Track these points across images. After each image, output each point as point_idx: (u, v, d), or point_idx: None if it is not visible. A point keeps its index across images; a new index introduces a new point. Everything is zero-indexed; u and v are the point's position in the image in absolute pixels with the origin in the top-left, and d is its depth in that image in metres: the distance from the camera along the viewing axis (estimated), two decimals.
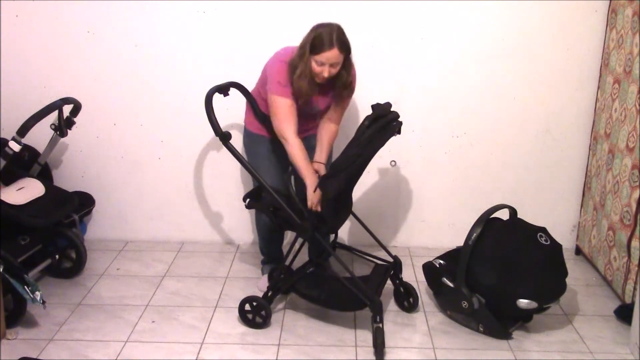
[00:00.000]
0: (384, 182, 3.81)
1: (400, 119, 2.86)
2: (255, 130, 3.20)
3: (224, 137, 2.88)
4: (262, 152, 3.20)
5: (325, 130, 3.13)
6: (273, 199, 2.90)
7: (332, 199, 2.79)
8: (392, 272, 3.15)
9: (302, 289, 3.04)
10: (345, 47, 2.85)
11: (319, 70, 2.85)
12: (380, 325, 2.80)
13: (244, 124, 3.29)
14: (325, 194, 2.79)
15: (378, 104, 2.84)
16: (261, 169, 3.13)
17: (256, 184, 3.12)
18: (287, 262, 3.23)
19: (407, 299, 3.19)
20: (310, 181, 2.88)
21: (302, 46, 2.86)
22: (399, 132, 2.86)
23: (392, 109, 2.86)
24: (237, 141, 3.73)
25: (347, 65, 2.92)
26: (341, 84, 2.97)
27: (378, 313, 2.81)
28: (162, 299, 3.31)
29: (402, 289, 3.20)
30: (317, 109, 3.09)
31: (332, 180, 2.76)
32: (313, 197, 2.86)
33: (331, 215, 2.85)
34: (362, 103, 3.57)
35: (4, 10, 3.59)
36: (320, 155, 3.09)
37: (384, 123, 2.76)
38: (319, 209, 2.86)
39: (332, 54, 2.81)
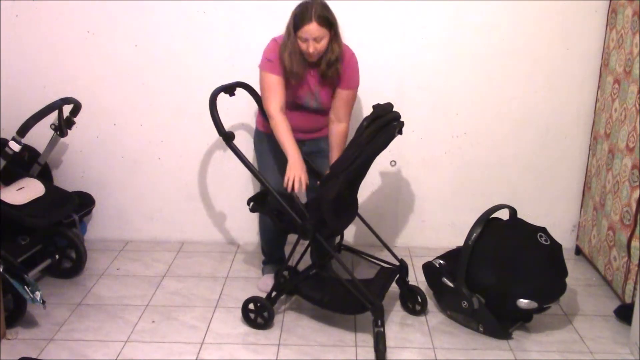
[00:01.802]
0: (384, 182, 3.81)
1: (401, 119, 2.86)
2: (263, 129, 3.22)
3: (227, 137, 2.89)
4: (269, 151, 3.21)
5: (335, 132, 3.12)
6: (276, 202, 2.90)
7: (332, 201, 2.79)
8: (397, 275, 3.14)
9: (304, 291, 3.03)
10: (325, 21, 2.86)
11: (304, 47, 2.89)
12: (382, 329, 2.79)
13: (255, 124, 3.30)
14: (324, 196, 2.79)
15: (378, 104, 2.84)
16: (268, 168, 3.17)
17: (262, 187, 3.13)
18: (293, 264, 3.24)
19: (415, 303, 3.17)
20: (291, 156, 2.89)
21: (287, 26, 2.93)
22: (400, 132, 2.85)
23: (393, 109, 2.85)
24: (240, 141, 3.74)
25: (332, 42, 2.92)
26: (325, 62, 2.95)
27: (379, 317, 2.80)
28: (162, 299, 3.31)
29: (410, 292, 3.17)
30: (318, 103, 3.07)
31: (331, 183, 2.76)
32: (290, 173, 2.85)
33: (332, 217, 2.85)
34: (362, 103, 3.57)
35: (4, 10, 3.59)
36: (333, 158, 3.08)
37: (383, 123, 2.76)
38: (297, 187, 2.85)
39: (311, 28, 2.84)
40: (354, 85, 3.09)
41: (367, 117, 2.72)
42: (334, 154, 3.10)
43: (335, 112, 3.10)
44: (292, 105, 3.07)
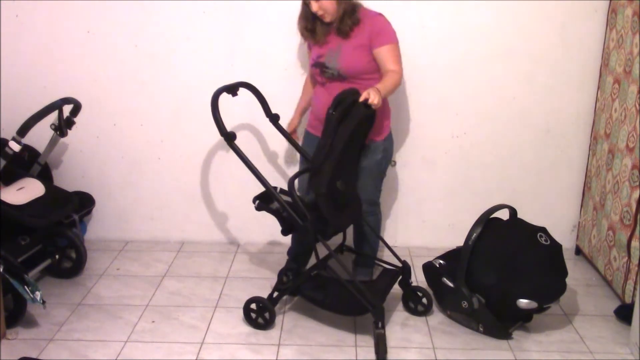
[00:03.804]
0: (384, 182, 3.80)
1: (366, 99, 2.79)
2: (307, 127, 3.32)
3: (229, 137, 2.89)
4: (306, 148, 3.28)
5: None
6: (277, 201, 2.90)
7: (326, 195, 2.78)
8: (400, 277, 3.14)
9: (306, 292, 3.03)
10: None
11: (310, 8, 2.99)
12: (382, 331, 2.80)
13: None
14: (317, 192, 2.79)
15: (341, 91, 2.85)
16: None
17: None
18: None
19: (419, 303, 3.16)
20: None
21: None
22: (368, 107, 2.80)
23: (356, 93, 2.84)
24: (241, 142, 3.73)
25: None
26: (337, 18, 2.99)
27: (380, 319, 2.80)
28: (162, 299, 3.31)
29: (413, 294, 3.17)
30: (337, 63, 3.03)
31: (317, 177, 2.78)
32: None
33: (331, 213, 2.84)
34: None
35: (4, 10, 3.59)
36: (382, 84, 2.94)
37: (348, 105, 2.78)
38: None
39: None
40: (386, 40, 3.03)
41: (330, 105, 2.75)
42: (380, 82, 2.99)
43: (383, 69, 3.03)
44: (318, 71, 3.10)
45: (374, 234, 3.29)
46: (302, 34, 3.16)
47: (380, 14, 3.10)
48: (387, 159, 3.24)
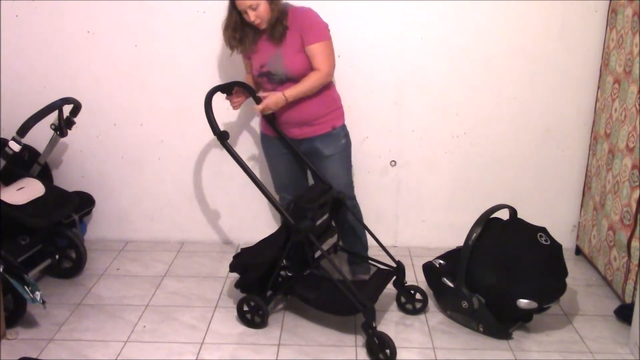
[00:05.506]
0: (384, 182, 3.80)
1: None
2: (263, 130, 3.32)
3: (222, 136, 2.90)
4: (269, 151, 3.33)
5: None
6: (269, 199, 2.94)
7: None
8: (394, 277, 3.14)
9: (299, 291, 3.03)
10: None
11: (247, 18, 2.95)
12: (370, 331, 2.79)
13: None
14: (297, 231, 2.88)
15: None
16: (270, 167, 3.34)
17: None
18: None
19: (414, 302, 3.16)
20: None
21: (228, 4, 3.01)
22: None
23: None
24: (241, 141, 3.74)
25: (271, 3, 2.93)
26: (268, 24, 2.97)
27: (371, 319, 2.80)
28: (162, 299, 3.31)
29: (408, 294, 3.17)
30: (281, 66, 3.02)
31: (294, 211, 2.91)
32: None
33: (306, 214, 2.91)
34: (363, 102, 3.57)
35: (4, 10, 3.59)
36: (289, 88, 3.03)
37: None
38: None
39: (241, 1, 2.92)
40: (314, 39, 2.98)
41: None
42: (295, 85, 3.03)
43: (312, 67, 3.02)
44: (265, 79, 3.10)
45: (359, 229, 3.30)
46: (230, 44, 3.09)
47: (308, 9, 3.05)
48: (350, 144, 3.26)
